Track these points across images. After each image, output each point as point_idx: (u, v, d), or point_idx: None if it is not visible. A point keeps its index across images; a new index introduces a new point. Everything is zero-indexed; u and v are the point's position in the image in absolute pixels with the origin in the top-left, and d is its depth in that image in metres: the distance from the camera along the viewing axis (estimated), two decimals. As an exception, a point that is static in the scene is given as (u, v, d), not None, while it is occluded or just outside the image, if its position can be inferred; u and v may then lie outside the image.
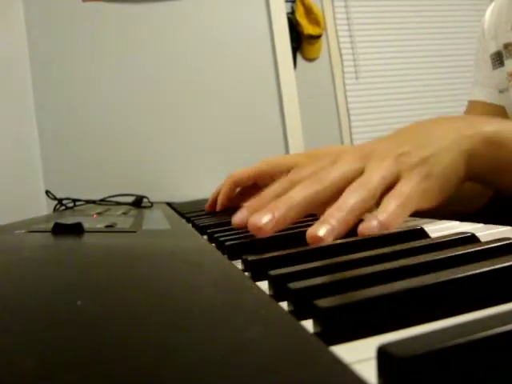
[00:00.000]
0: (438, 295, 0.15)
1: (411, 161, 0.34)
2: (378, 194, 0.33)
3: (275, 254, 0.25)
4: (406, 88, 2.15)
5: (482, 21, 0.77)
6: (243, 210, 0.36)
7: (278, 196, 0.34)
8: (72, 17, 1.47)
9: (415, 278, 0.16)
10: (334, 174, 0.34)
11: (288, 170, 0.69)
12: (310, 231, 0.29)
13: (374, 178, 0.33)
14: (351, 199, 0.31)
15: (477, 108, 0.76)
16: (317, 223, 0.30)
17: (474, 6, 2.19)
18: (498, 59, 0.72)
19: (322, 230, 0.29)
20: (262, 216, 0.32)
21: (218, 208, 0.69)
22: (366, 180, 0.33)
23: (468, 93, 0.79)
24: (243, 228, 0.34)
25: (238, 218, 0.36)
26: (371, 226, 0.30)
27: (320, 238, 0.29)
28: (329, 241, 0.29)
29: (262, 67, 1.61)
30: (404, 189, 0.32)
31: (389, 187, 0.33)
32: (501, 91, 0.71)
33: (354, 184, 0.33)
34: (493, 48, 0.73)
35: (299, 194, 0.33)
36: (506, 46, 0.69)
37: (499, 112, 0.72)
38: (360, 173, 0.34)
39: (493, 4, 0.75)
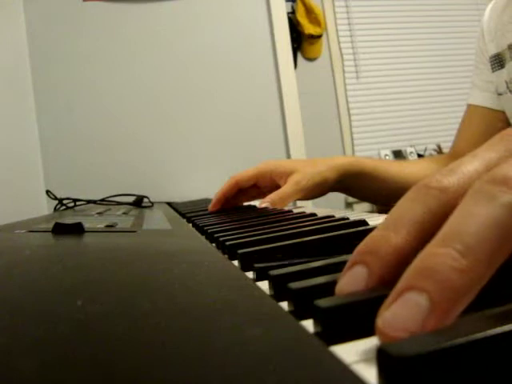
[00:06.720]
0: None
1: None
2: None
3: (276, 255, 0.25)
4: (407, 88, 2.15)
5: (481, 22, 0.75)
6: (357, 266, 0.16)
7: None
8: (72, 17, 1.47)
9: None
10: None
11: (288, 173, 0.69)
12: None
13: None
14: None
15: (476, 113, 0.75)
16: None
17: (476, 6, 2.19)
18: (497, 61, 0.70)
19: None
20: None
21: (213, 204, 0.68)
22: None
23: (468, 93, 0.78)
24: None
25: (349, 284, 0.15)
26: None
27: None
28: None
29: (262, 67, 1.61)
30: None
31: None
32: (500, 94, 0.71)
33: None
34: (492, 50, 0.71)
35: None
36: (510, 46, 0.68)
37: (498, 117, 0.72)
38: None
39: (491, 4, 0.74)
